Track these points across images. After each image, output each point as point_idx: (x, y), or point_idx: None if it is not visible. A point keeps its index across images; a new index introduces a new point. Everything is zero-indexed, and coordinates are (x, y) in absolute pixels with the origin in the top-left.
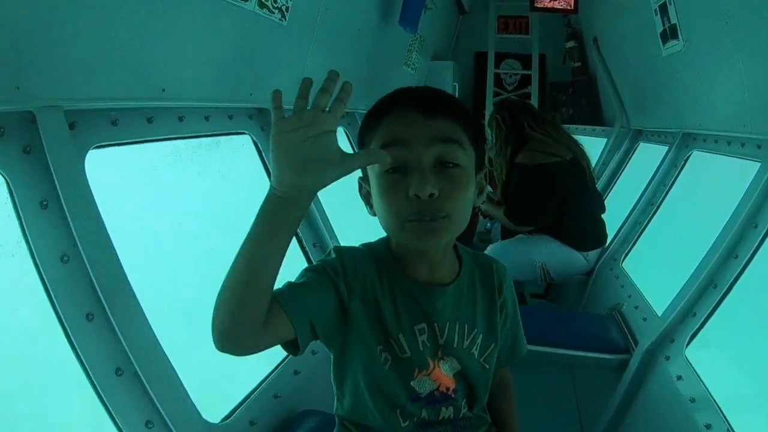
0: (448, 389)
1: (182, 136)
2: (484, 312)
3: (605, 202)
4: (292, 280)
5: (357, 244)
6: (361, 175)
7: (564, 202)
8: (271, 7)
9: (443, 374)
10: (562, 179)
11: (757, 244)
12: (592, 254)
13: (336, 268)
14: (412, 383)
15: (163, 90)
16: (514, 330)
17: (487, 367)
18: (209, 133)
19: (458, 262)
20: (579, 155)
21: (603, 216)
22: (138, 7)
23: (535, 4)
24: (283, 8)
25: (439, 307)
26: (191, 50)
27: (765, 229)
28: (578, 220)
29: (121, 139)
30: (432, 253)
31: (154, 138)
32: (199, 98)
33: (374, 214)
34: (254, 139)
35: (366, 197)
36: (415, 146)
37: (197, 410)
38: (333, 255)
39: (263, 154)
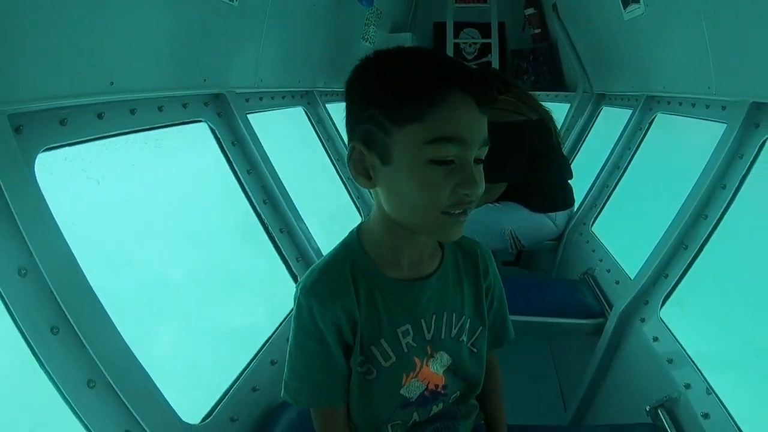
0: (437, 386)
1: (135, 129)
2: (470, 296)
3: (572, 167)
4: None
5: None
6: (355, 134)
7: (531, 167)
8: None
9: (432, 372)
10: (529, 137)
11: (725, 204)
12: (561, 219)
13: (315, 331)
14: (401, 391)
15: (112, 83)
16: (501, 313)
17: (475, 350)
18: (163, 124)
19: (440, 248)
20: (546, 118)
21: (570, 181)
22: None
23: None
24: None
25: (424, 301)
26: (140, 38)
27: (733, 190)
28: (545, 184)
29: (72, 139)
30: (422, 246)
31: (106, 134)
32: (151, 88)
33: (370, 187)
34: (211, 126)
35: (357, 166)
36: (471, 145)
37: (176, 413)
38: (303, 311)
39: (222, 141)
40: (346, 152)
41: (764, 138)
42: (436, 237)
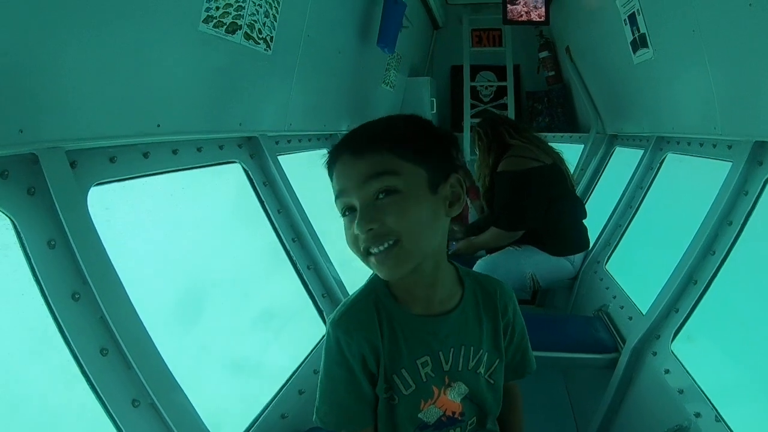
0: (454, 413)
1: (177, 168)
2: (489, 331)
3: (586, 206)
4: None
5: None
6: None
7: (548, 210)
8: (256, 38)
9: (449, 400)
10: (546, 182)
11: (732, 240)
12: (578, 259)
13: (342, 360)
14: (419, 415)
15: (158, 125)
16: (523, 346)
17: (493, 382)
18: (201, 164)
19: (460, 286)
20: (558, 161)
21: (585, 221)
22: (131, 46)
23: (508, 17)
24: (268, 38)
25: (442, 336)
26: (183, 85)
27: (739, 226)
28: (562, 227)
29: (120, 176)
30: (436, 284)
31: (151, 172)
32: (191, 131)
33: None
34: (244, 167)
35: None
36: (353, 190)
37: None
38: (332, 341)
39: (254, 181)
40: None
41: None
42: (379, 274)
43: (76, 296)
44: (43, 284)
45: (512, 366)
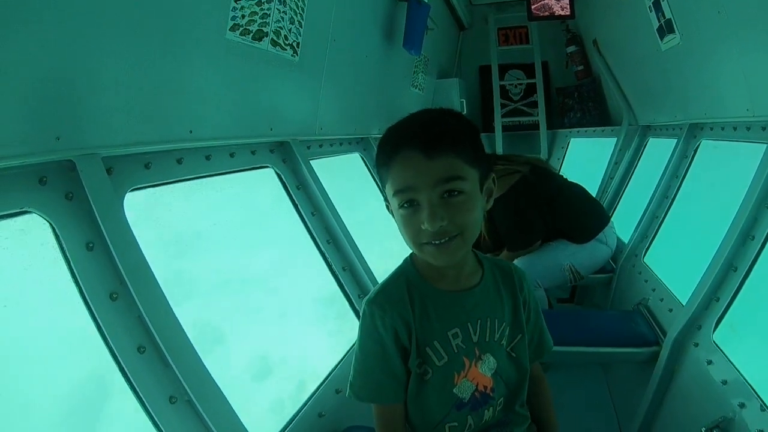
0: (486, 388)
1: (210, 174)
2: (510, 308)
3: (621, 200)
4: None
5: (391, 272)
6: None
7: (552, 208)
8: (283, 45)
9: (480, 374)
10: (533, 187)
11: None
12: (611, 238)
13: (376, 335)
14: (454, 390)
15: (191, 131)
16: (539, 325)
17: (515, 355)
18: (234, 170)
19: (480, 267)
20: (537, 163)
21: (616, 208)
22: (163, 54)
23: (533, 14)
24: (294, 44)
25: (469, 307)
26: (214, 91)
27: None
28: (575, 215)
29: (155, 181)
30: (462, 262)
31: (184, 177)
32: (223, 136)
33: None
34: (277, 171)
35: (390, 211)
36: (422, 189)
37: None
38: (367, 318)
39: (287, 185)
40: None
41: None
42: (431, 261)
43: (114, 296)
44: (81, 285)
45: (532, 346)
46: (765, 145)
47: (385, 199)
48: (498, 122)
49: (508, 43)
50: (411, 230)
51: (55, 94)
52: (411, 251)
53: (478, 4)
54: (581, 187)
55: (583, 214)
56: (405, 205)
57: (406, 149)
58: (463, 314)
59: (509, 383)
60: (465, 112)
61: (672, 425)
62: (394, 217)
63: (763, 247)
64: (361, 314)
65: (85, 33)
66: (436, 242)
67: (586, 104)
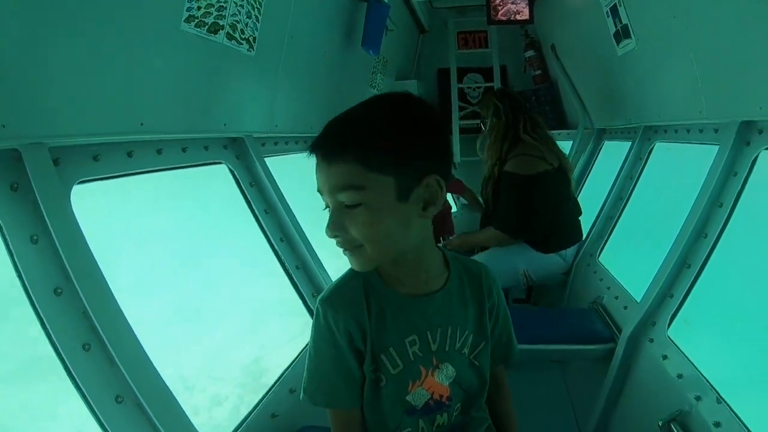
0: (441, 396)
1: (161, 168)
2: (474, 314)
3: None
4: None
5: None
6: None
7: (546, 216)
8: (239, 39)
9: (437, 383)
10: (552, 188)
11: (723, 221)
12: (570, 253)
13: (330, 336)
14: (407, 398)
15: (142, 124)
16: (507, 330)
17: (477, 364)
18: (186, 164)
19: (446, 269)
20: (563, 161)
21: (580, 218)
22: (115, 44)
23: (493, 18)
24: (251, 39)
25: (429, 315)
26: (167, 84)
27: (729, 207)
28: (559, 228)
29: (103, 174)
30: (424, 265)
31: (134, 171)
32: (176, 131)
33: None
34: (230, 167)
35: None
36: (325, 193)
37: None
38: (320, 318)
39: (241, 182)
40: None
41: (756, 153)
42: None
43: (59, 291)
44: (25, 279)
45: (499, 349)
46: (717, 147)
47: None
48: (456, 124)
49: (468, 47)
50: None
51: (0, 79)
52: None
53: (439, 7)
54: (578, 203)
55: (567, 228)
56: (325, 208)
57: (315, 150)
58: (422, 321)
59: (469, 390)
60: None
61: (629, 420)
62: None
63: (715, 244)
64: (315, 314)
65: (34, 17)
66: (346, 252)
67: (543, 108)
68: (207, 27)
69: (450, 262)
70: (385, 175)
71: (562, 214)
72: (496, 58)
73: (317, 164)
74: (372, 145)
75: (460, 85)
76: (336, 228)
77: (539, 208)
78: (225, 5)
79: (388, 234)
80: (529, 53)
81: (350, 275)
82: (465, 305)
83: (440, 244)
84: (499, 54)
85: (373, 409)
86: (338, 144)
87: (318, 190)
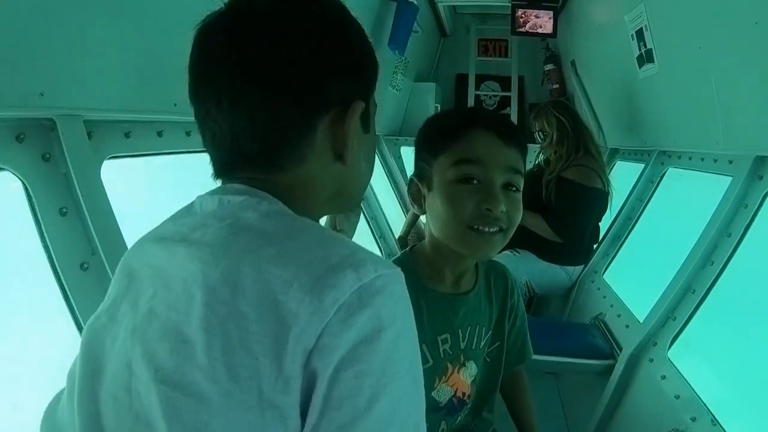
0: (464, 394)
1: (190, 150)
2: (496, 314)
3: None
4: None
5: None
6: (414, 172)
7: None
8: None
9: (461, 380)
10: (597, 208)
11: (731, 251)
12: (576, 271)
13: None
14: (432, 393)
15: (175, 104)
16: (524, 331)
17: (489, 360)
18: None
19: (476, 270)
20: (608, 187)
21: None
22: (150, 25)
23: (517, 29)
24: None
25: (462, 315)
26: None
27: (738, 237)
28: (577, 246)
29: (134, 151)
30: (463, 264)
31: (164, 151)
32: None
33: (422, 213)
34: None
35: (415, 196)
36: (492, 167)
37: None
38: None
39: None
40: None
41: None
42: (466, 251)
43: (85, 266)
44: (52, 251)
45: (515, 350)
46: (730, 178)
47: (416, 178)
48: None
49: (488, 55)
50: (460, 208)
51: (40, 49)
52: (410, 246)
53: (462, 12)
54: (599, 228)
55: (581, 248)
56: (463, 179)
57: (481, 128)
58: (456, 320)
59: (481, 389)
60: None
61: None
62: (417, 196)
63: (721, 272)
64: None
65: None
66: (485, 229)
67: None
68: None
69: (478, 263)
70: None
71: (587, 235)
72: (515, 68)
73: (480, 137)
74: (525, 144)
75: (477, 92)
76: (505, 203)
77: (586, 222)
78: None
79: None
80: (549, 66)
81: (397, 261)
82: (490, 305)
83: None
84: (519, 64)
85: None
86: (514, 132)
87: (470, 160)
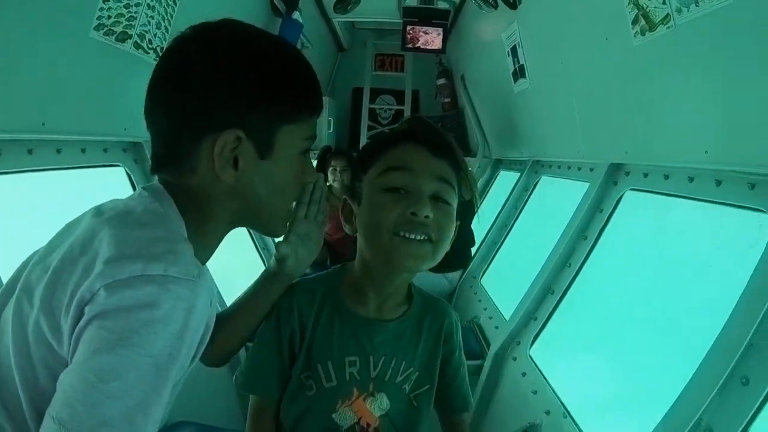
0: (369, 426)
1: (60, 167)
2: (425, 353)
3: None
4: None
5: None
6: (347, 193)
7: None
8: (146, 48)
9: (366, 409)
10: (467, 213)
11: (586, 253)
12: (455, 277)
13: (275, 325)
14: (333, 415)
15: (43, 123)
16: (466, 379)
17: (416, 405)
18: (85, 165)
19: (409, 301)
20: (475, 200)
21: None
22: (20, 43)
23: (406, 45)
24: (158, 49)
25: (377, 343)
26: (70, 86)
27: (593, 240)
28: (454, 252)
29: (4, 169)
30: (390, 287)
31: (34, 168)
32: (76, 132)
33: (353, 232)
34: (128, 171)
35: (347, 216)
36: (419, 175)
37: None
38: (274, 309)
39: (135, 185)
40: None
41: (621, 193)
42: (392, 260)
43: None
44: None
45: (459, 398)
46: (588, 184)
47: (348, 197)
48: (364, 142)
49: (384, 69)
50: (386, 215)
51: None
52: (342, 263)
53: (361, 27)
54: (473, 232)
55: (458, 253)
56: (392, 188)
57: (412, 142)
58: (368, 346)
59: (401, 429)
60: (332, 130)
61: None
62: (350, 215)
63: (577, 273)
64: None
65: None
66: (411, 236)
67: (447, 134)
68: (115, 35)
69: (414, 296)
70: (456, 191)
71: (465, 240)
72: (410, 83)
73: (410, 148)
74: (458, 156)
75: (372, 105)
76: (430, 210)
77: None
78: (135, 15)
79: (448, 244)
80: (441, 81)
81: (315, 279)
82: (417, 341)
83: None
84: (414, 79)
85: (294, 415)
86: (443, 143)
87: (398, 168)
